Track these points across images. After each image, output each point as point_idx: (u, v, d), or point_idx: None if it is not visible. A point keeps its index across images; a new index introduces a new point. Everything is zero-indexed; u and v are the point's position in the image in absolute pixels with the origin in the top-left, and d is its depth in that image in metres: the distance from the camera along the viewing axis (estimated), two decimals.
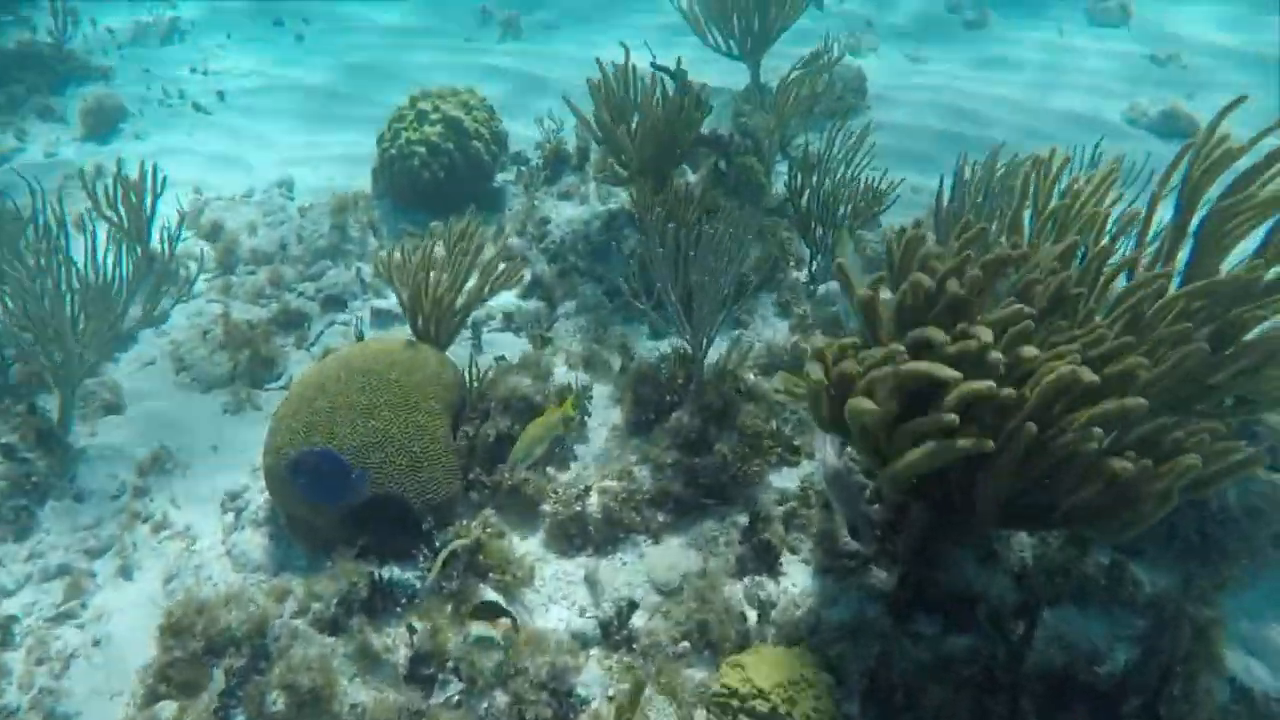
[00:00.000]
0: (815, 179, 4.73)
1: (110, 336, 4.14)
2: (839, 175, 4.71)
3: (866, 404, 2.40)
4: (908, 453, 2.37)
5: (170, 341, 4.69)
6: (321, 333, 4.77)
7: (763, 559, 3.32)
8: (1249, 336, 2.59)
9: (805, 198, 4.73)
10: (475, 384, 3.72)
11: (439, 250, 4.00)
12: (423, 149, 5.41)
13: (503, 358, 4.30)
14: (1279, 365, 2.56)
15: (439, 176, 5.45)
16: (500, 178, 6.07)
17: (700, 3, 6.57)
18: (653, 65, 4.68)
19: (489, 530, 3.34)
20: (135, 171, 4.77)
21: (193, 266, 5.37)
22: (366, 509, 3.28)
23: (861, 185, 4.68)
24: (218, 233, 5.52)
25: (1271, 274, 2.61)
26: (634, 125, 4.67)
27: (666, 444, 3.61)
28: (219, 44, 8.85)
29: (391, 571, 3.19)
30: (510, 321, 4.74)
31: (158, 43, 8.93)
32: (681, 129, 4.68)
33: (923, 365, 2.31)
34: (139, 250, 5.12)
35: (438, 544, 3.21)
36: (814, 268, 4.79)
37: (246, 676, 2.90)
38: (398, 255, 3.87)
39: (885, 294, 2.67)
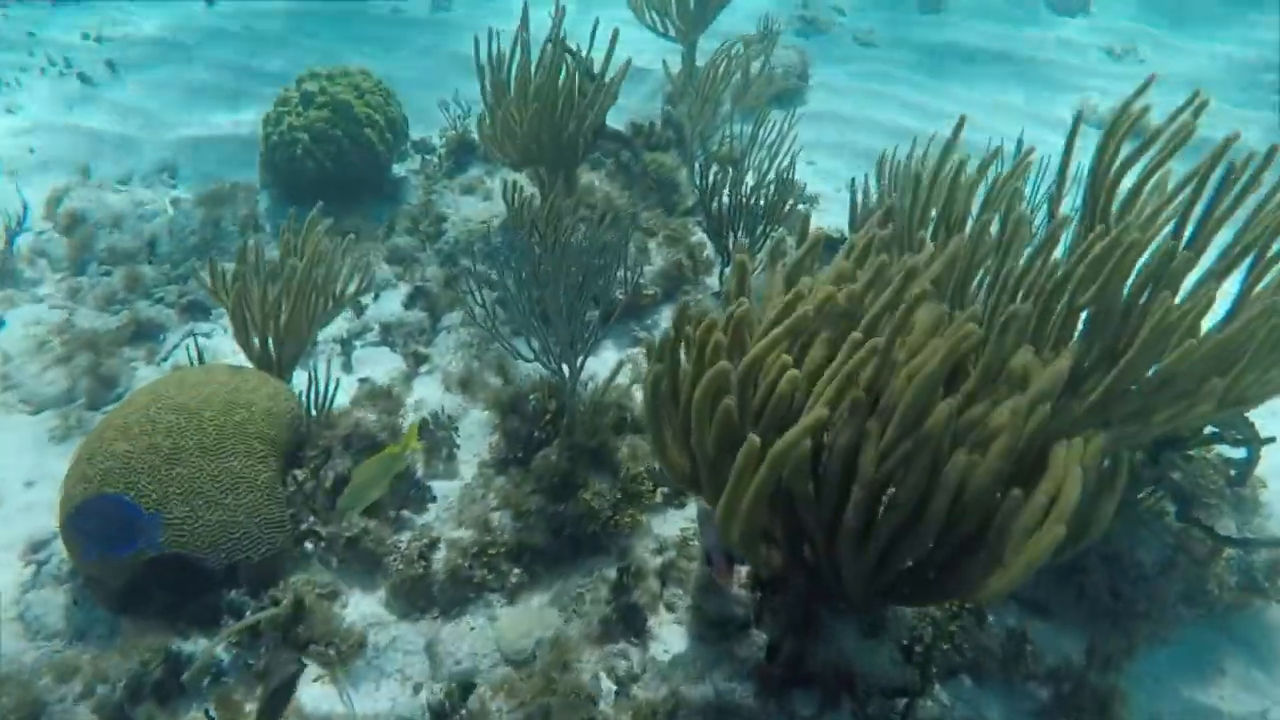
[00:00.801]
0: (728, 177, 4.30)
1: None
2: (761, 173, 4.28)
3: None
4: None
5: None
6: (176, 345, 4.29)
7: (630, 623, 2.93)
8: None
9: (717, 198, 4.29)
10: (315, 418, 3.27)
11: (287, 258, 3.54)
12: (306, 136, 4.91)
13: (366, 380, 3.86)
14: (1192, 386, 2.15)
15: (325, 166, 4.95)
16: (404, 168, 5.59)
17: None
18: (549, 41, 4.20)
19: (317, 591, 2.91)
20: None
21: (41, 264, 4.86)
22: (169, 567, 2.84)
23: (782, 184, 4.26)
24: (76, 226, 5.00)
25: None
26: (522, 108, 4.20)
27: (530, 488, 3.19)
28: (118, 6, 8.22)
29: (196, 644, 2.76)
30: (388, 334, 4.29)
31: (49, 3, 8.30)
32: (576, 116, 4.22)
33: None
34: None
35: (248, 611, 2.78)
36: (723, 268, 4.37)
37: None
38: (222, 268, 3.40)
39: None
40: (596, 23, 4.28)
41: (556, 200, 3.88)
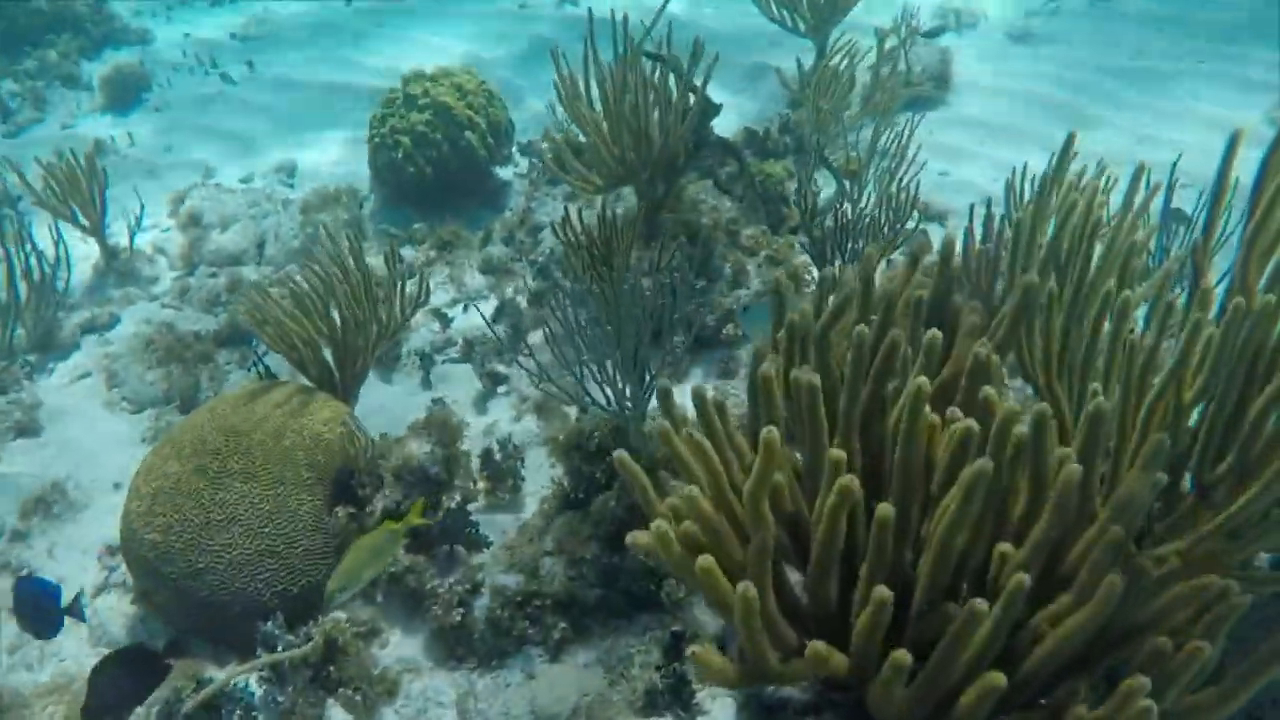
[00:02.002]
0: (837, 192, 3.96)
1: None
2: (880, 188, 3.92)
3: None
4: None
5: (105, 354, 4.31)
6: (266, 351, 4.29)
7: (678, 694, 2.68)
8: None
9: (822, 217, 3.95)
10: (367, 448, 3.15)
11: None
12: (407, 139, 4.85)
13: (439, 401, 3.74)
14: None
15: (425, 171, 4.89)
16: (510, 172, 5.47)
17: None
18: (645, 53, 3.94)
19: (355, 630, 2.80)
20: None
21: (161, 263, 5.00)
22: (215, 601, 2.79)
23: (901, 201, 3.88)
24: (192, 225, 5.12)
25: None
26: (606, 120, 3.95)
27: (588, 533, 2.98)
28: (265, 6, 8.47)
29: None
30: (470, 351, 4.16)
31: (206, 3, 8.66)
32: (665, 129, 3.94)
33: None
34: (100, 246, 4.80)
35: (279, 646, 2.69)
36: None
37: None
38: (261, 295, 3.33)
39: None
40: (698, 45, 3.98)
41: (622, 233, 3.63)
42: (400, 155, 4.86)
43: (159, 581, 2.84)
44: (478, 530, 3.07)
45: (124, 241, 4.93)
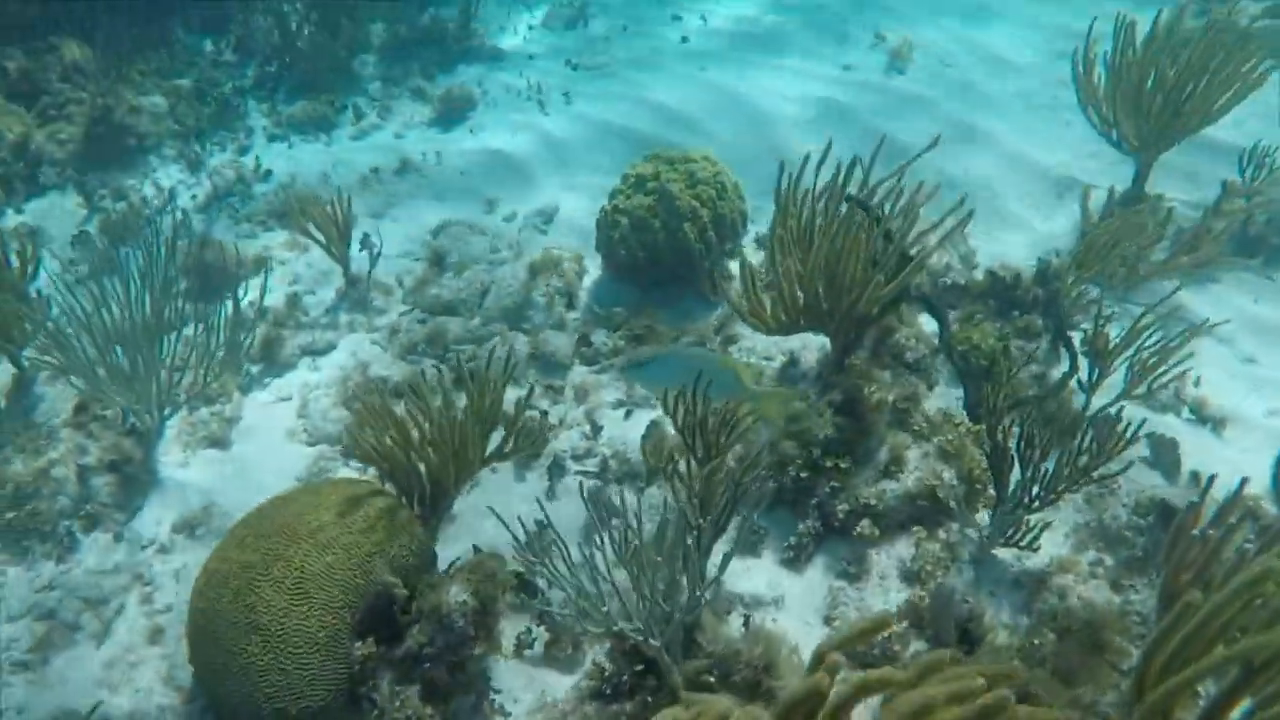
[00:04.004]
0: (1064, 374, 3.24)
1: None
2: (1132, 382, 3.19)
3: None
4: None
5: (306, 382, 4.66)
6: None
7: None
8: None
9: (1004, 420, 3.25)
10: (412, 576, 3.08)
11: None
12: (626, 221, 4.72)
13: (544, 525, 3.59)
14: None
15: (637, 256, 4.73)
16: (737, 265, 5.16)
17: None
18: (848, 198, 3.46)
19: None
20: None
21: (397, 295, 5.30)
22: (224, 695, 2.89)
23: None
24: (435, 262, 5.39)
25: None
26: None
27: None
28: (607, 36, 8.73)
29: None
30: (606, 469, 3.96)
31: (562, 27, 9.09)
32: (861, 283, 3.43)
33: None
34: (343, 271, 5.19)
35: None
36: (996, 517, 3.31)
37: None
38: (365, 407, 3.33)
39: None
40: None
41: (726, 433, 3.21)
42: (617, 235, 4.74)
43: (192, 654, 3.00)
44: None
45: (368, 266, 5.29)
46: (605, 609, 2.77)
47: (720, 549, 3.06)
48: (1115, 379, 3.78)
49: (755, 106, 7.00)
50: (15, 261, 4.74)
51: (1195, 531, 2.48)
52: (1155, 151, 5.00)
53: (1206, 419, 3.95)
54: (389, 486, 3.37)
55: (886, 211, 3.42)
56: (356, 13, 8.67)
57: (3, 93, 7.17)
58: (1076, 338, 3.92)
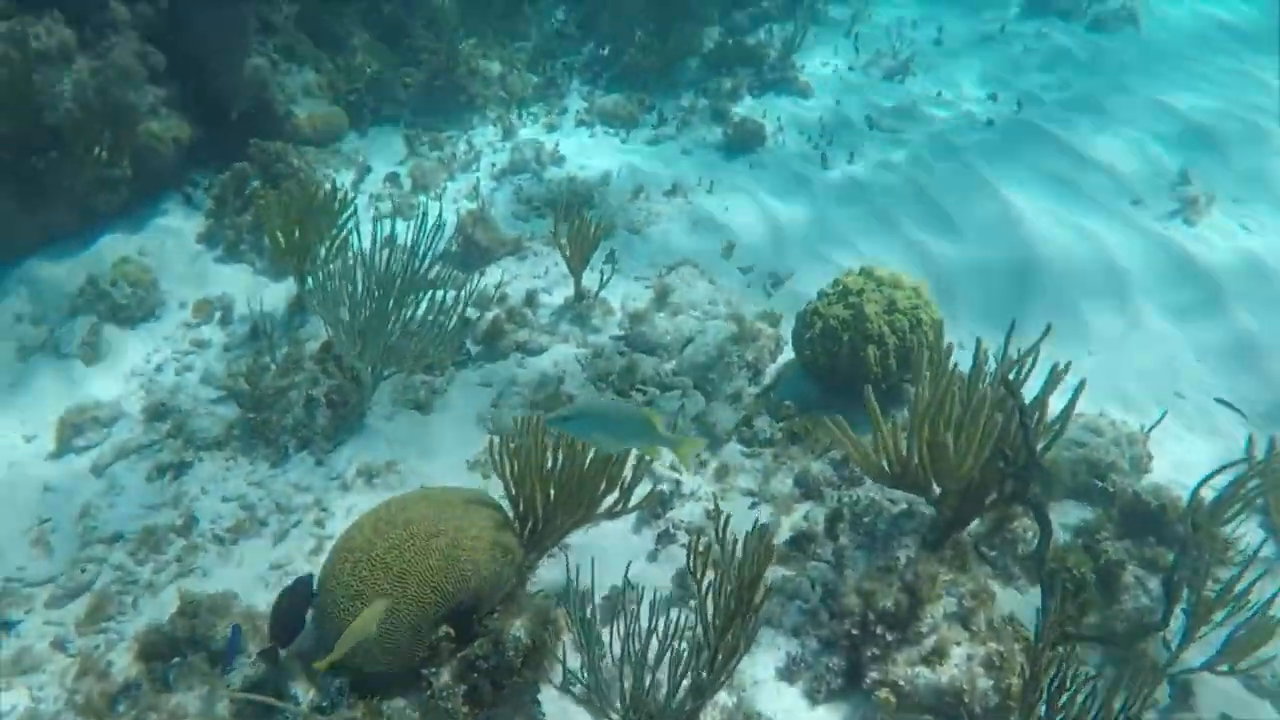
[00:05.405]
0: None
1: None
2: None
3: None
4: None
5: (509, 377, 5.32)
6: None
7: None
8: None
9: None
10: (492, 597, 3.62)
11: None
12: (819, 326, 4.94)
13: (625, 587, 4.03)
14: None
15: (820, 363, 4.95)
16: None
17: None
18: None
19: None
20: None
21: (617, 318, 5.82)
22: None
23: None
24: (660, 296, 5.85)
25: None
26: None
27: None
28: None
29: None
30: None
31: (880, 76, 9.14)
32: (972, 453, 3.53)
33: None
34: (575, 283, 5.80)
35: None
36: None
37: None
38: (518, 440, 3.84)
39: None
40: None
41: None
42: (808, 336, 4.98)
43: (319, 591, 3.73)
44: None
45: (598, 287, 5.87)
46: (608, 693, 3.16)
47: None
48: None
49: (1032, 236, 6.74)
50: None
51: None
52: None
53: None
54: (507, 506, 3.93)
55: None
56: (691, 16, 9.17)
57: (377, 31, 8.38)
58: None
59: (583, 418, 3.31)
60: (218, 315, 5.81)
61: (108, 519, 4.52)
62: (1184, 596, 3.55)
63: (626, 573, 3.71)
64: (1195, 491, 3.76)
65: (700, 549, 3.53)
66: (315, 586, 3.67)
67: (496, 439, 3.77)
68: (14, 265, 6.01)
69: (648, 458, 3.99)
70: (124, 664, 3.76)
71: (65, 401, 5.16)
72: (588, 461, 3.82)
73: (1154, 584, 3.79)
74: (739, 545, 3.27)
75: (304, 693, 3.55)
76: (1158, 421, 4.59)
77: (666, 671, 3.29)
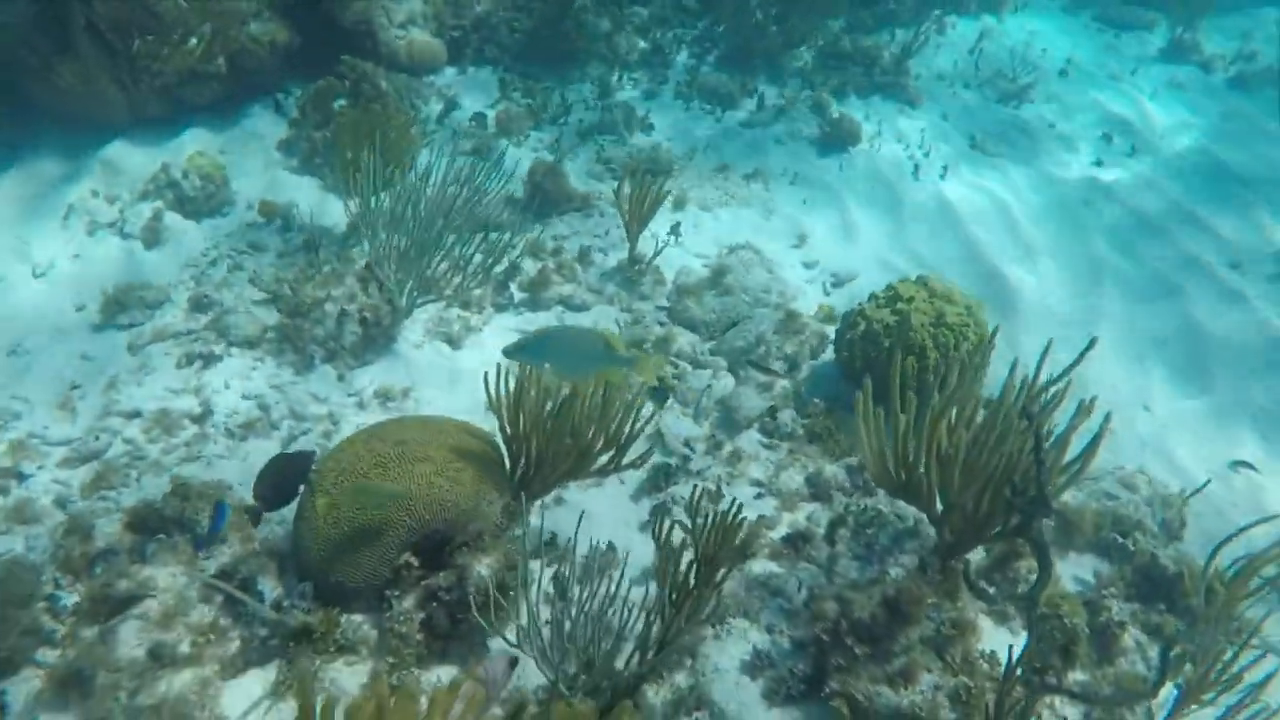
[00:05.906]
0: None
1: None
2: None
3: None
4: None
5: (544, 325, 5.29)
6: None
7: None
8: None
9: None
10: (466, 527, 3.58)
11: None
12: (861, 328, 4.76)
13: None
14: None
15: (855, 365, 4.77)
16: None
17: None
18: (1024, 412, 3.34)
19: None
20: None
21: (666, 286, 5.73)
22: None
23: None
24: (717, 274, 5.73)
25: None
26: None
27: None
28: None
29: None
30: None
31: (996, 98, 8.78)
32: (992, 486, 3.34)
33: None
34: (630, 247, 5.73)
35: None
36: None
37: None
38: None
39: None
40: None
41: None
42: (849, 336, 4.81)
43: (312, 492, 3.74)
44: None
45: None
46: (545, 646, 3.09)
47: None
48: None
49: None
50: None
51: None
52: None
53: None
54: (501, 446, 3.88)
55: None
56: (817, 6, 8.92)
57: None
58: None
59: (539, 344, 3.23)
60: (278, 222, 5.90)
61: (132, 395, 4.63)
62: (1183, 670, 3.30)
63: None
64: (1210, 560, 3.49)
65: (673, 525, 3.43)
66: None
67: (492, 371, 3.70)
68: (101, 145, 6.21)
69: (651, 409, 3.89)
70: (112, 531, 3.84)
71: (119, 279, 5.32)
72: (579, 407, 3.75)
73: (1154, 652, 3.54)
74: (708, 520, 3.17)
75: (270, 589, 3.57)
76: (1199, 489, 4.30)
77: (616, 637, 3.20)
